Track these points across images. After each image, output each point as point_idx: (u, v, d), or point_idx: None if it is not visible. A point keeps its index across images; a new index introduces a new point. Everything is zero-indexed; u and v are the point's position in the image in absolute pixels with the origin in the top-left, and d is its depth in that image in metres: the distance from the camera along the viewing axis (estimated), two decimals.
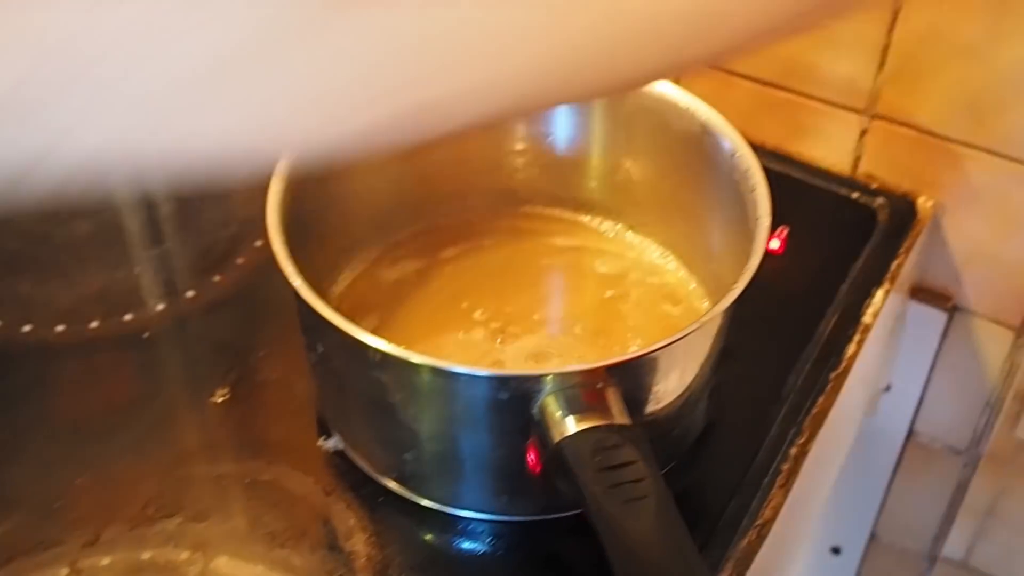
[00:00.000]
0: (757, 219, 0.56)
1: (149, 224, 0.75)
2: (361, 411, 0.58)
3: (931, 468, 0.93)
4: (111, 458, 0.61)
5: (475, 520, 0.58)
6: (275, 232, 0.54)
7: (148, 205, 0.77)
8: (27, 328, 0.67)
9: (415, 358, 0.50)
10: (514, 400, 0.51)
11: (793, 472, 0.60)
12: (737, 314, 0.58)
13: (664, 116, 0.64)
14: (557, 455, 0.49)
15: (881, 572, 1.04)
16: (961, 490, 0.93)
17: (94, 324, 0.67)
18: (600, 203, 0.70)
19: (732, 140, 0.61)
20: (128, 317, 0.68)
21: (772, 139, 0.82)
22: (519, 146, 0.69)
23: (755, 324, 0.65)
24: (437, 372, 0.51)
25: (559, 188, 0.70)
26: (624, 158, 0.67)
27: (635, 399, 0.52)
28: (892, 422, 0.92)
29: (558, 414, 0.50)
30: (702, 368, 0.56)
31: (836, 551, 1.05)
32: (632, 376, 0.52)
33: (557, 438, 0.49)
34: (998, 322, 0.81)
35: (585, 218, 0.71)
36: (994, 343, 0.83)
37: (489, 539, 0.57)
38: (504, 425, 0.53)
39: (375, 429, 0.58)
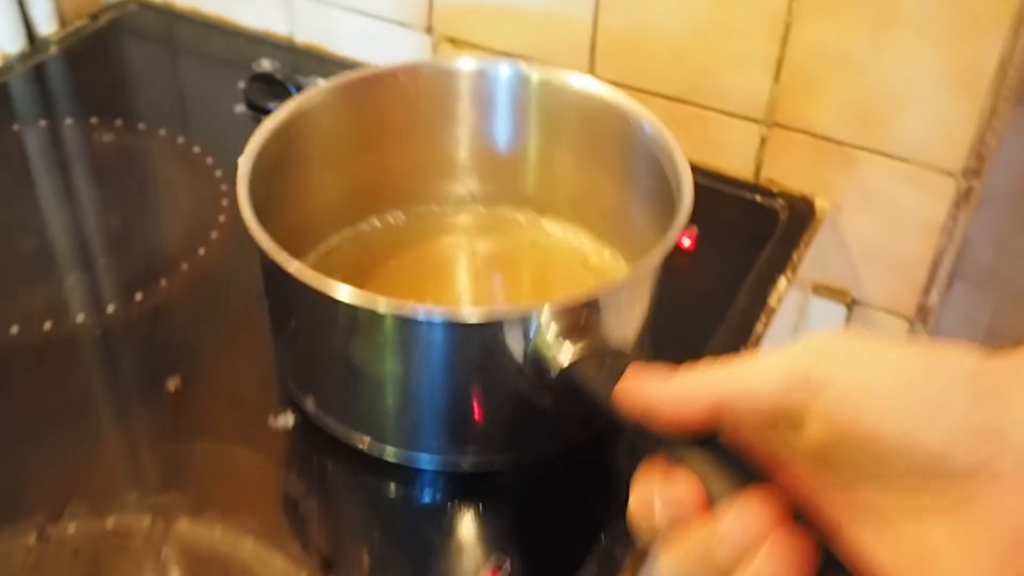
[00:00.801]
0: (680, 184, 0.64)
1: (99, 235, 0.79)
2: (343, 372, 0.61)
3: None
4: (71, 443, 0.63)
5: (437, 472, 0.62)
6: (244, 200, 0.59)
7: (96, 216, 0.81)
8: None
9: (421, 310, 0.55)
10: (512, 338, 0.56)
11: None
12: (657, 297, 0.63)
13: (593, 111, 0.70)
14: (566, 378, 0.55)
15: None
16: None
17: (47, 326, 0.70)
18: (536, 199, 0.76)
19: (651, 122, 0.68)
20: (80, 319, 0.71)
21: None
22: (463, 146, 0.74)
23: (672, 308, 0.71)
24: (429, 322, 0.56)
25: (499, 186, 0.76)
26: (558, 154, 0.74)
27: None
28: None
29: (557, 343, 0.55)
30: (644, 321, 0.62)
31: None
32: (603, 309, 0.57)
33: (565, 363, 0.54)
34: (893, 313, 0.88)
35: (522, 214, 0.76)
36: (890, 333, 0.89)
37: (446, 489, 0.62)
38: (504, 366, 0.57)
39: (357, 390, 0.61)
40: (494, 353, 0.56)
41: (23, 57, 0.97)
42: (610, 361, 0.54)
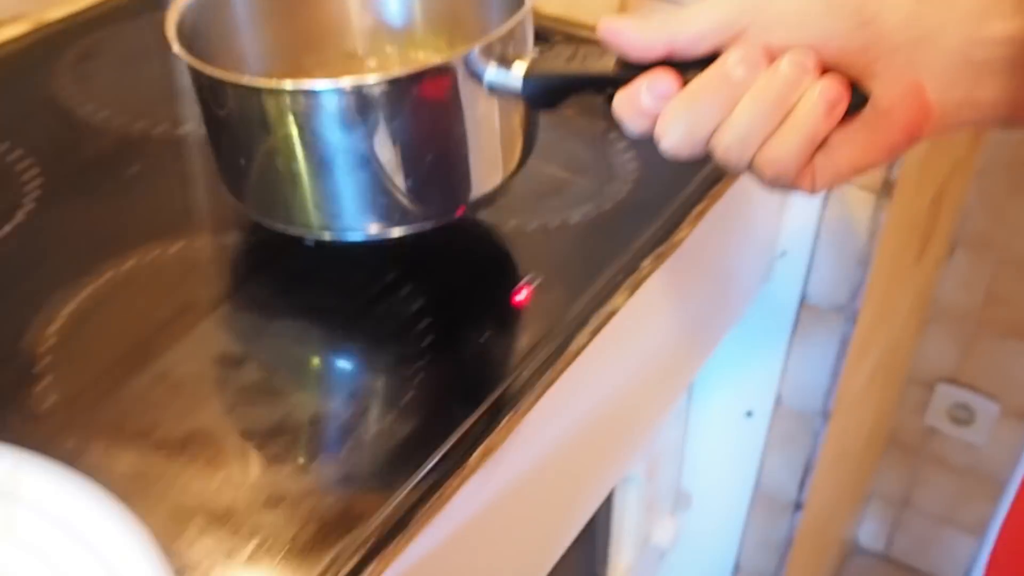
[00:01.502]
0: None
1: None
2: (279, 161, 0.68)
3: (820, 328, 1.14)
4: (175, 205, 0.83)
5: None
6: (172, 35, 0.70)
7: None
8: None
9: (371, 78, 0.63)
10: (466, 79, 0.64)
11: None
12: None
13: None
14: (535, 82, 0.63)
15: (785, 432, 1.25)
16: (844, 345, 1.14)
17: (160, 128, 0.90)
18: (423, 42, 0.85)
19: None
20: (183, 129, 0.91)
21: None
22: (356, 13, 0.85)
23: None
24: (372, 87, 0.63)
25: (393, 39, 0.86)
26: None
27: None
28: (787, 287, 1.13)
29: (504, 67, 0.64)
30: None
31: (749, 415, 1.25)
32: (522, 36, 0.67)
33: (522, 72, 0.63)
34: (863, 188, 1.03)
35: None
36: (861, 206, 1.04)
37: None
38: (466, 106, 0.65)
39: (301, 173, 0.68)
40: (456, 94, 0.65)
41: None
42: (561, 52, 0.62)
